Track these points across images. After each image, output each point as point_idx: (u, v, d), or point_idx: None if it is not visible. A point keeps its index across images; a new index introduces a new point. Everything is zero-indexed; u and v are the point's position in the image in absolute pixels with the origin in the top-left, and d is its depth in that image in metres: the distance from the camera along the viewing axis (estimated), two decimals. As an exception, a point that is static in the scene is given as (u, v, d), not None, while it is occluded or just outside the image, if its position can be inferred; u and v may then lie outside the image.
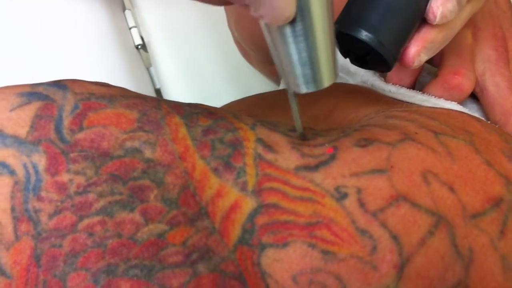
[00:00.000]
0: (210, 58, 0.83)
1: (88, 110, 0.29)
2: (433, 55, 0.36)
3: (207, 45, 0.83)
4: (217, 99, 0.83)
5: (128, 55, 0.80)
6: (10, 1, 0.70)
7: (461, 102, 0.42)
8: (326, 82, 0.29)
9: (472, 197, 0.29)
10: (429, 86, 0.42)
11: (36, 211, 0.26)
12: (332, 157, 0.29)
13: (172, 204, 0.27)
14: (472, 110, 0.44)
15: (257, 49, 0.65)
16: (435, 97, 0.41)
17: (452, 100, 0.41)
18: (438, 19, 0.33)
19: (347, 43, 0.35)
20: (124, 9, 0.83)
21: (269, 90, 0.80)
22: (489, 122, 0.41)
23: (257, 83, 0.82)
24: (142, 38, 0.81)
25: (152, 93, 0.83)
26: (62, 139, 0.28)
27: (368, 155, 0.29)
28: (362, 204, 0.28)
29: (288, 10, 0.26)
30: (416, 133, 0.31)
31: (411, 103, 0.39)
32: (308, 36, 0.27)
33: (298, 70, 0.29)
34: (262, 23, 0.28)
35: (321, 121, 0.39)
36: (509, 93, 0.42)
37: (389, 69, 0.35)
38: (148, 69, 0.84)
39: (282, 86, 0.59)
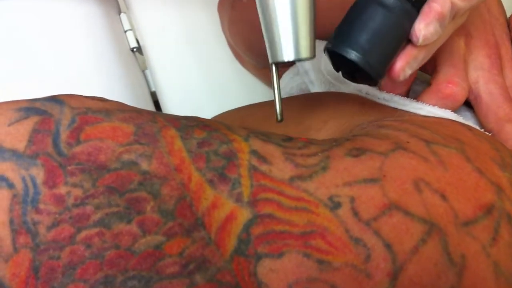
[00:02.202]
0: (206, 61, 0.83)
1: (85, 124, 0.29)
2: (417, 68, 0.38)
3: (203, 48, 0.83)
4: (213, 102, 0.83)
5: (123, 58, 0.80)
6: (4, 6, 0.70)
7: (455, 110, 0.42)
8: (304, 54, 0.34)
9: (464, 205, 0.29)
10: (423, 95, 0.42)
11: (35, 223, 0.27)
12: (325, 167, 0.30)
13: (168, 215, 0.28)
14: (466, 118, 0.45)
15: (250, 53, 0.66)
16: (429, 105, 0.42)
17: (446, 109, 0.42)
18: (420, 41, 0.36)
19: (338, 60, 0.38)
20: (119, 12, 0.83)
21: (265, 93, 0.80)
22: (482, 130, 0.41)
23: (252, 86, 0.82)
24: (137, 41, 0.82)
25: (147, 96, 0.84)
26: (59, 153, 0.28)
27: (361, 165, 0.30)
28: (355, 213, 0.28)
29: None
30: (408, 142, 0.31)
31: (404, 111, 0.40)
32: (291, 5, 0.33)
33: (281, 36, 0.34)
34: None
35: (314, 131, 0.40)
36: (502, 100, 0.42)
37: (375, 84, 0.38)
38: (143, 72, 0.84)
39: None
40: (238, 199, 0.29)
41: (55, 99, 0.30)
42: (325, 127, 0.40)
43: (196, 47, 0.83)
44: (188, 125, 0.31)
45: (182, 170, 0.29)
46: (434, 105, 0.42)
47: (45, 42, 0.73)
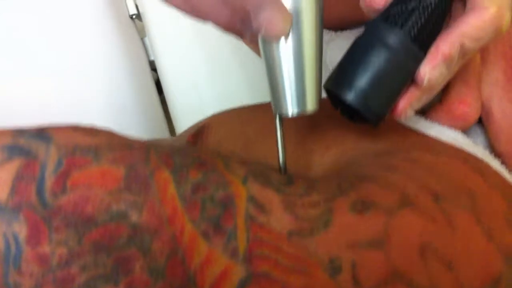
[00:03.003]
0: (207, 30, 0.80)
1: (72, 167, 0.27)
2: (419, 108, 0.37)
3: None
4: (212, 71, 0.81)
5: (122, 25, 0.77)
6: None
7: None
8: (309, 107, 0.33)
9: (471, 276, 0.28)
10: (433, 112, 0.40)
11: (17, 286, 0.25)
12: (327, 223, 0.28)
13: (158, 275, 0.26)
14: (475, 134, 0.43)
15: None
16: (439, 123, 0.40)
17: (456, 128, 0.40)
18: (425, 83, 0.34)
19: (337, 98, 0.36)
20: (118, -23, 0.80)
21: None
22: (492, 154, 0.40)
23: (252, 55, 0.79)
24: (137, 8, 0.78)
25: (146, 65, 0.81)
26: (44, 204, 0.26)
27: (365, 223, 0.28)
28: (356, 281, 0.27)
29: (282, 26, 0.31)
30: (416, 196, 0.29)
31: (413, 138, 0.38)
32: (297, 55, 0.32)
33: (286, 88, 0.33)
34: (259, 38, 0.33)
35: (318, 157, 0.38)
36: None
37: (375, 126, 0.36)
38: (142, 39, 0.81)
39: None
40: (233, 254, 0.27)
41: (41, 135, 0.28)
42: (328, 152, 0.38)
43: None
44: (183, 164, 0.30)
45: (174, 221, 0.27)
46: (444, 124, 0.40)
47: (44, 10, 0.70)
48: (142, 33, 0.80)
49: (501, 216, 0.30)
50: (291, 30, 0.31)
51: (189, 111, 0.82)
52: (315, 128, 0.40)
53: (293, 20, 0.31)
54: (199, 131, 0.46)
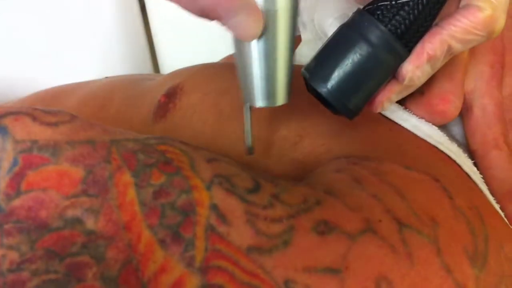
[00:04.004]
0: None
1: (28, 167, 0.26)
2: (395, 101, 0.36)
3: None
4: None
5: None
6: None
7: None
8: (278, 102, 0.33)
9: None
10: (412, 103, 0.39)
11: None
12: (287, 242, 0.28)
13: (111, 283, 0.26)
14: (454, 122, 0.42)
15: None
16: (416, 117, 0.39)
17: (433, 123, 0.39)
18: (406, 82, 0.33)
19: (313, 87, 0.34)
20: None
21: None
22: (466, 155, 0.39)
23: None
24: None
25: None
26: None
27: (325, 247, 0.28)
28: None
29: (254, 30, 0.30)
30: (380, 220, 0.29)
31: (388, 126, 0.37)
32: (269, 56, 0.31)
33: (256, 84, 0.32)
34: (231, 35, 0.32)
35: (289, 146, 0.37)
36: (494, 120, 0.39)
37: (350, 119, 0.35)
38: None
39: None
40: (190, 263, 0.27)
41: None
42: (301, 143, 0.37)
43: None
44: (147, 164, 0.29)
45: (131, 228, 0.27)
46: (421, 117, 0.39)
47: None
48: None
49: (461, 248, 0.30)
50: (263, 31, 0.31)
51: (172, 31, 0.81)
52: (291, 111, 0.38)
53: (266, 21, 0.30)
54: (172, 92, 0.44)
